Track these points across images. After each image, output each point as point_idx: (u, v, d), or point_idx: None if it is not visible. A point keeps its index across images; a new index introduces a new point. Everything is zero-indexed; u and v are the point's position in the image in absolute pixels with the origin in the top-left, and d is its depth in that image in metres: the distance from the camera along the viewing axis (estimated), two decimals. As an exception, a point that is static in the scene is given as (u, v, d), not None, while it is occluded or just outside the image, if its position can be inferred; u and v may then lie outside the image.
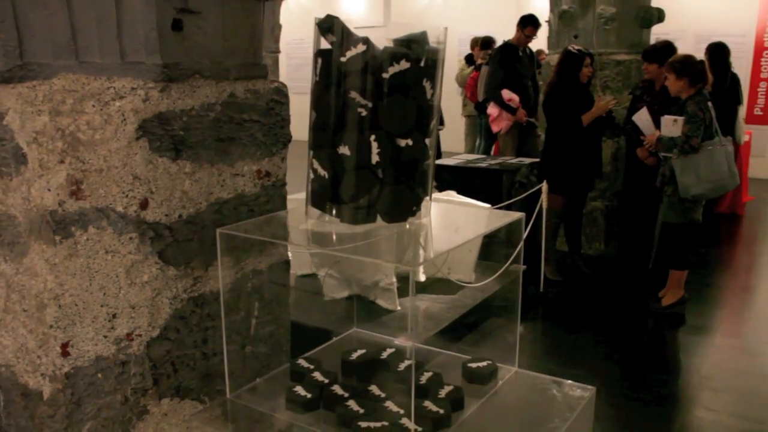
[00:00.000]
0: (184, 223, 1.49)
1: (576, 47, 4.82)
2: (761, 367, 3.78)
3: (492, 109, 6.75)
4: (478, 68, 7.80)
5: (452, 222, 1.71)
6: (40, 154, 1.35)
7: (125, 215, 1.40)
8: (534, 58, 7.01)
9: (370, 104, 1.41)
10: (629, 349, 4.10)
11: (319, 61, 1.45)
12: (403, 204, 1.48)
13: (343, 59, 1.40)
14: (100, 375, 1.45)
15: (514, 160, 5.56)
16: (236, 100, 1.58)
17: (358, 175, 1.44)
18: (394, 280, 3.92)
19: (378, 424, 1.34)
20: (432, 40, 1.45)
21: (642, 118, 4.47)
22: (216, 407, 1.54)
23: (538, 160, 5.35)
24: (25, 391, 1.50)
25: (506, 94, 6.51)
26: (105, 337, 1.44)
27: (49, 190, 1.36)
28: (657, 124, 4.31)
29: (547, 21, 6.46)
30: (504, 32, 8.60)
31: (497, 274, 3.50)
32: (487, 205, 3.32)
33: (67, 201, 1.37)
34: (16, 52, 1.32)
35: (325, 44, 1.48)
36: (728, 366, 3.85)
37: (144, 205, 1.42)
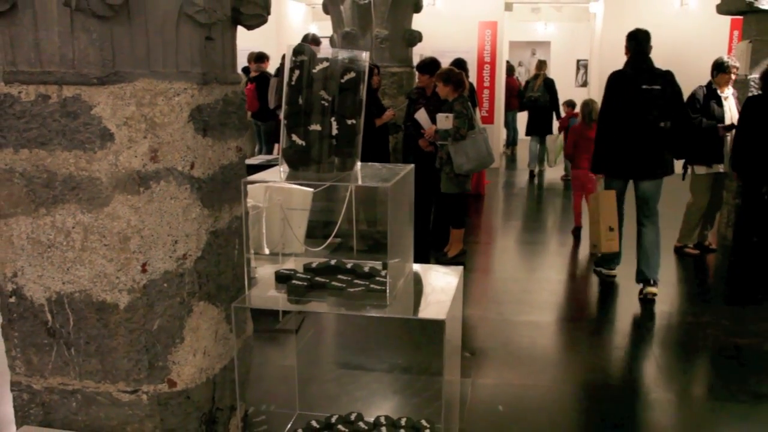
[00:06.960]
0: (209, 180, 2.22)
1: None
2: (500, 282, 5.48)
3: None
4: (252, 80, 8.55)
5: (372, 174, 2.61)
6: (130, 133, 2.00)
7: (183, 173, 2.10)
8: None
9: (330, 98, 2.28)
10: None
11: (296, 72, 2.28)
12: (350, 160, 2.36)
13: (314, 70, 2.25)
14: (165, 284, 2.12)
15: None
16: (228, 97, 2.33)
17: (323, 143, 2.30)
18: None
19: (359, 289, 2.22)
20: (362, 60, 2.36)
21: (421, 116, 5.73)
22: (243, 300, 2.28)
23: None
24: (101, 307, 2.10)
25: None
26: (170, 257, 2.11)
27: (136, 156, 2.01)
28: (433, 120, 5.59)
29: (327, 38, 7.56)
30: (265, 47, 9.47)
31: (324, 245, 4.49)
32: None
33: (148, 164, 2.03)
34: (110, 64, 1.96)
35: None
36: (488, 286, 5.49)
37: (192, 166, 2.13)
